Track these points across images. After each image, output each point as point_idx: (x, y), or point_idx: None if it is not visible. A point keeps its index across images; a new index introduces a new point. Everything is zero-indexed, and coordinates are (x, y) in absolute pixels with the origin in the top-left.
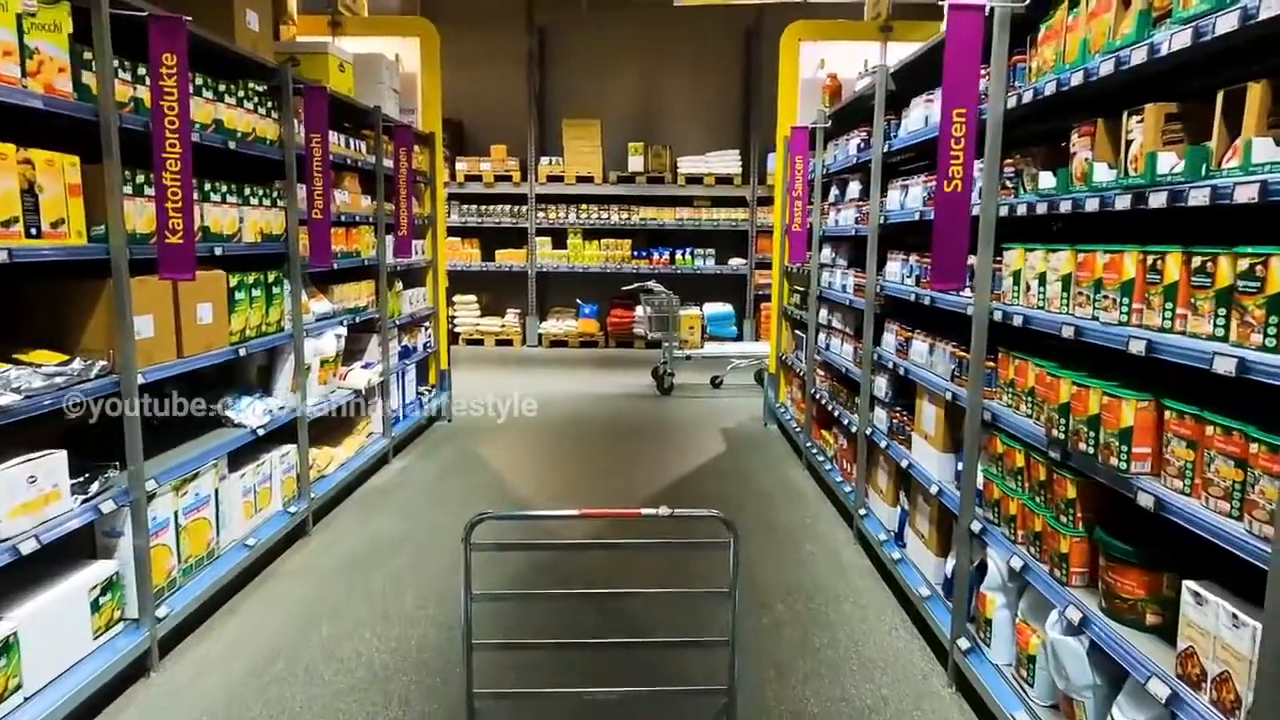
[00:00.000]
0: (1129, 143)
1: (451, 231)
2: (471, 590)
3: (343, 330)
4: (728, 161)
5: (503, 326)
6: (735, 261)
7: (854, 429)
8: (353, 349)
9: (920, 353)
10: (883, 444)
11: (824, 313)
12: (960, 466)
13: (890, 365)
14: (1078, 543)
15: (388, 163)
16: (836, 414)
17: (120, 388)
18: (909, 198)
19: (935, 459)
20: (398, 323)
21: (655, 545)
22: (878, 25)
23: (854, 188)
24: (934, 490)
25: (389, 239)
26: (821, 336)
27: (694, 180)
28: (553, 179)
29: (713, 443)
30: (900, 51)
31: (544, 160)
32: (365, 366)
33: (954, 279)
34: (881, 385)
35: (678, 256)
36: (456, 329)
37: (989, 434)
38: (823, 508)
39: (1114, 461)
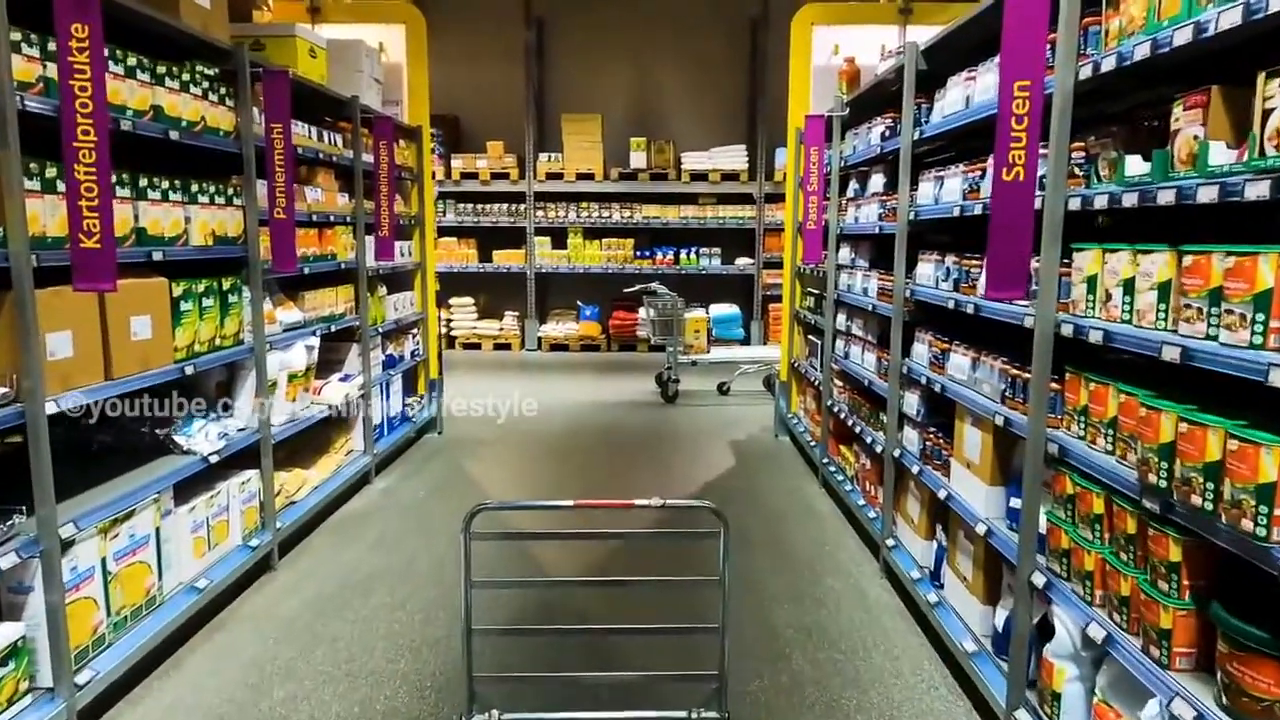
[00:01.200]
0: (1266, 113)
1: (447, 231)
2: (471, 578)
3: (315, 340)
4: (734, 157)
5: (501, 330)
6: (742, 261)
7: (879, 449)
8: (331, 359)
9: (960, 368)
10: (914, 469)
11: (842, 318)
12: (1016, 504)
13: (923, 380)
14: (1183, 617)
15: (367, 157)
16: (857, 430)
17: (25, 418)
18: (944, 190)
19: (981, 492)
20: (380, 330)
21: (649, 538)
22: (896, 7)
23: (876, 181)
24: (980, 529)
25: (369, 240)
26: (839, 344)
27: (699, 177)
28: (552, 176)
29: (721, 457)
30: (921, 35)
31: (543, 157)
32: (343, 379)
33: (1014, 286)
34: (912, 402)
35: (682, 256)
36: (453, 333)
37: (1055, 470)
38: (843, 534)
39: (1247, 525)
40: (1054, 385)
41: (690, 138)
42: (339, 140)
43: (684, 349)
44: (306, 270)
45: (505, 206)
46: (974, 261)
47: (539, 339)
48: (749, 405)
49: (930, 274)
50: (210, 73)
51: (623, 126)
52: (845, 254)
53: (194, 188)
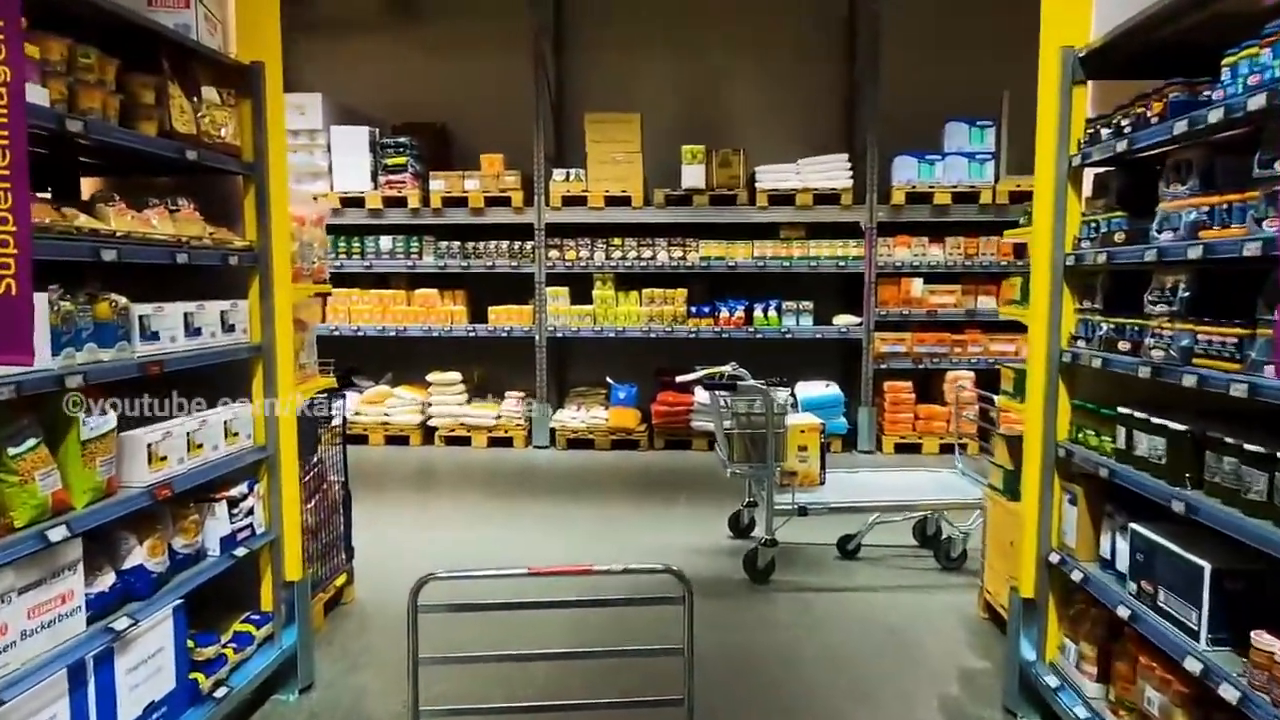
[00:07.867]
0: None
1: (424, 280)
2: (417, 654)
3: None
4: (831, 171)
5: (499, 418)
6: (844, 320)
7: None
8: None
9: None
10: None
11: None
12: None
13: None
14: None
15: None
16: None
17: None
18: None
19: None
20: (70, 530)
21: (611, 605)
22: None
23: None
24: None
25: None
26: None
27: (781, 200)
28: (571, 202)
29: None
30: None
31: (558, 175)
32: None
33: None
34: None
35: (757, 313)
36: (431, 422)
37: None
38: None
39: None
40: None
41: (767, 146)
42: None
43: (782, 481)
44: None
45: (506, 245)
46: None
47: (552, 431)
48: (908, 589)
49: None
50: None
51: (671, 131)
52: None
53: None
